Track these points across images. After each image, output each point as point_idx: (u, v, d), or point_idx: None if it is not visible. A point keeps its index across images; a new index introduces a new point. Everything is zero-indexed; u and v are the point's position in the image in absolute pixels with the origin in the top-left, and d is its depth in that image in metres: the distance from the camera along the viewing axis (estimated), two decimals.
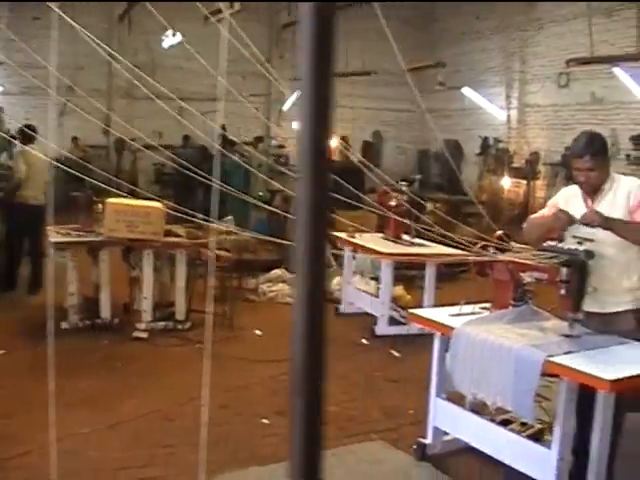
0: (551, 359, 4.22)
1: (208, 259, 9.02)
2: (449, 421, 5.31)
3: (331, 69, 1.19)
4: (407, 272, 10.95)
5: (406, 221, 7.86)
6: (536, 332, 4.67)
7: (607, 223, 4.78)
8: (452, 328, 4.84)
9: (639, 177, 5.07)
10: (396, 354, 7.92)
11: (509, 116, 20.74)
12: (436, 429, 5.40)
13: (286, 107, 21.65)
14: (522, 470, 4.72)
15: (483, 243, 5.10)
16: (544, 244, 4.66)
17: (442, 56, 20.75)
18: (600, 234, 4.90)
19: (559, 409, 4.46)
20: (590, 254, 4.47)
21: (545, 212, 5.32)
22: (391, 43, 4.03)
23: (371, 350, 8.15)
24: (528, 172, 19.28)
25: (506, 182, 19.53)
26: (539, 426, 5.42)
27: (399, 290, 9.93)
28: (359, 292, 9.44)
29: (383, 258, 8.50)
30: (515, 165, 19.84)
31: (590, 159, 4.86)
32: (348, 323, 9.14)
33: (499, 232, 5.15)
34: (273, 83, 21.85)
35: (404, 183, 9.00)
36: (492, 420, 5.12)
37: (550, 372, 4.35)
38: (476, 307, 5.24)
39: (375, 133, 23.33)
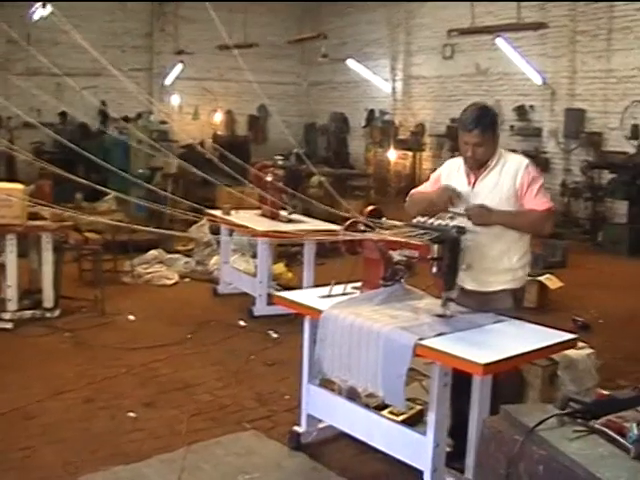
0: (422, 342, 3.96)
1: (76, 242, 8.58)
2: (322, 408, 5.03)
3: None
4: (289, 249, 10.70)
5: (271, 199, 7.53)
6: (408, 313, 4.42)
7: (495, 220, 4.61)
8: (320, 311, 4.55)
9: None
10: (274, 335, 7.62)
11: (394, 88, 20.60)
12: (310, 416, 5.12)
13: (168, 81, 21.14)
14: (398, 457, 4.50)
15: (352, 220, 4.85)
16: (414, 220, 4.40)
17: (328, 28, 20.45)
18: (474, 196, 4.74)
19: (432, 394, 4.23)
20: (462, 230, 4.22)
21: (427, 185, 5.09)
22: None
23: (248, 332, 7.82)
24: (414, 144, 19.21)
25: (392, 154, 19.43)
26: (419, 407, 5.21)
27: (280, 267, 9.65)
28: (237, 271, 9.09)
29: (255, 236, 8.16)
30: (401, 137, 19.74)
31: (479, 134, 4.64)
32: (226, 304, 8.83)
33: (370, 207, 4.88)
34: (155, 57, 21.37)
35: (279, 157, 8.67)
36: (367, 405, 4.87)
37: (422, 356, 4.11)
38: (348, 287, 4.96)
39: (261, 107, 22.92)
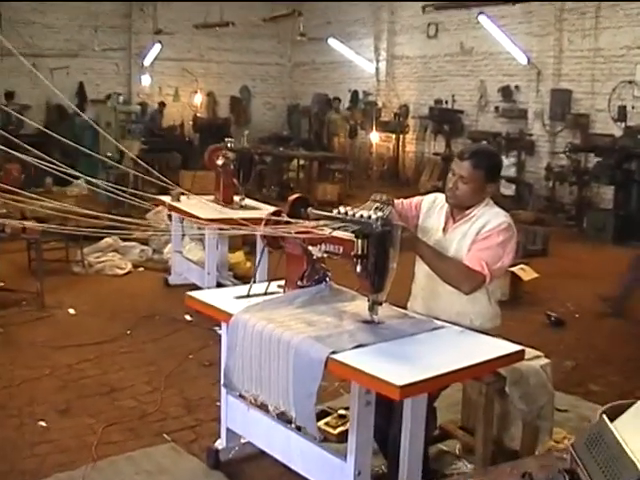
0: (335, 357, 3.34)
1: (13, 231, 8.00)
2: (241, 422, 4.43)
3: None
4: (253, 236, 10.06)
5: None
6: (330, 318, 3.78)
7: (419, 251, 4.07)
8: (231, 315, 3.96)
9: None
10: (220, 331, 7.00)
11: (378, 68, 19.95)
12: (230, 431, 4.54)
13: (147, 62, 20.52)
14: None
15: (275, 210, 4.27)
16: (334, 211, 3.78)
17: (311, 7, 19.84)
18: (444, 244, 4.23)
19: (353, 416, 3.63)
20: (387, 221, 3.59)
21: (404, 202, 4.51)
22: None
23: (193, 327, 7.17)
24: (397, 126, 18.60)
25: (375, 136, 18.81)
26: None
27: (238, 256, 9.06)
28: (187, 261, 8.47)
29: (199, 224, 7.48)
30: (384, 119, 19.11)
31: (469, 167, 4.13)
32: (175, 296, 8.08)
33: (294, 196, 4.29)
34: (133, 37, 20.68)
35: (230, 139, 8.07)
36: (290, 421, 4.27)
37: (334, 373, 3.51)
38: (273, 286, 4.37)
39: (243, 88, 22.29)
